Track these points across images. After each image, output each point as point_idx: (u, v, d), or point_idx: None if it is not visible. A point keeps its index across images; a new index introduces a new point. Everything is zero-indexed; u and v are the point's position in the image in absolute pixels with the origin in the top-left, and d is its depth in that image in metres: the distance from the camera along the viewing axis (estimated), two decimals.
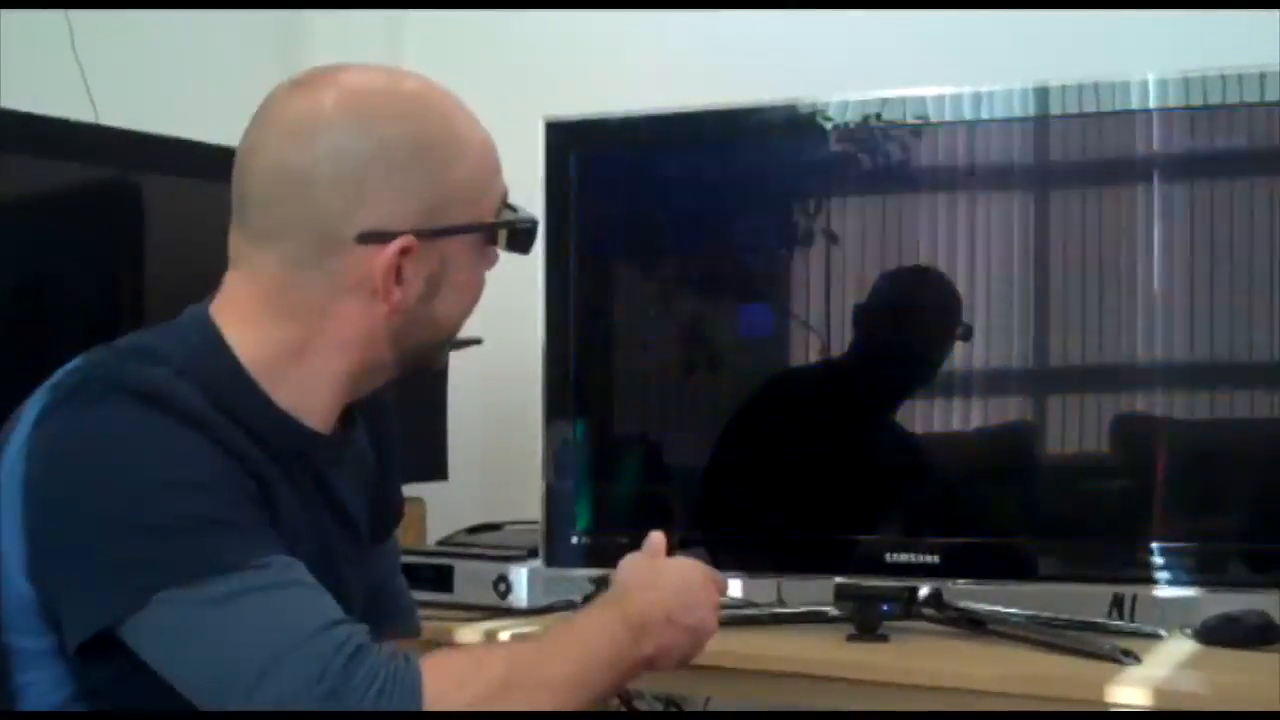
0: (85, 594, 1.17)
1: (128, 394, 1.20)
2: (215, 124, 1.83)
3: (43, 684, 1.22)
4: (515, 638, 1.85)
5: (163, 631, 1.15)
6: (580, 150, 1.99)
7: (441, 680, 1.14)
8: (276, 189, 1.27)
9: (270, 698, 1.11)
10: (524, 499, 2.09)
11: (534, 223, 1.38)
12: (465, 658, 1.27)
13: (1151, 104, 1.78)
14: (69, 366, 1.26)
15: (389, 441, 1.53)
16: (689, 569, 1.41)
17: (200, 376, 1.24)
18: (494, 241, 1.35)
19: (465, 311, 1.37)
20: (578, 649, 1.26)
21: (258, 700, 1.11)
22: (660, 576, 1.38)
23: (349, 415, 1.39)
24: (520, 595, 2.07)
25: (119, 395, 1.20)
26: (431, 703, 1.13)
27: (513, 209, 1.36)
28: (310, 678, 1.10)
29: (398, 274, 1.28)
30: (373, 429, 1.48)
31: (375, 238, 1.26)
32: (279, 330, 1.29)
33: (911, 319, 1.96)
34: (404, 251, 1.28)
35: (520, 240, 1.37)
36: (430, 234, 1.29)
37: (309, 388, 1.31)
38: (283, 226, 1.28)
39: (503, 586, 2.07)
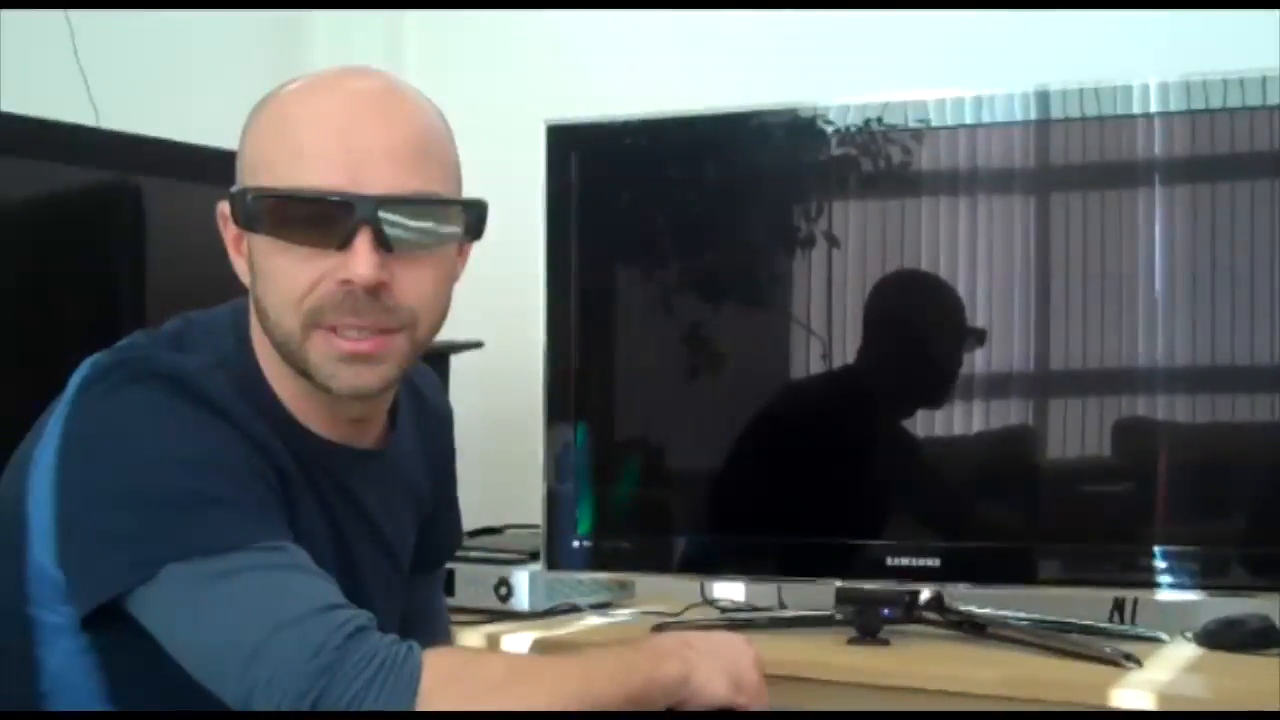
0: (96, 564, 1.17)
1: (158, 379, 1.21)
2: (216, 127, 1.83)
3: (62, 658, 1.23)
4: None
5: (168, 604, 1.16)
6: (581, 153, 1.99)
7: (439, 673, 1.13)
8: None
9: (266, 670, 1.10)
10: (525, 502, 2.09)
11: (263, 195, 1.21)
12: (466, 655, 1.27)
13: (1153, 108, 1.78)
14: (114, 346, 1.27)
15: (444, 465, 1.52)
16: (729, 635, 1.40)
17: (234, 371, 1.25)
18: (238, 221, 1.24)
19: (279, 308, 1.23)
20: (581, 663, 1.25)
21: (254, 673, 1.11)
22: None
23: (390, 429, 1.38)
24: (521, 599, 2.06)
25: (150, 379, 1.21)
26: (425, 694, 1.11)
27: (295, 196, 1.19)
28: (308, 651, 1.10)
29: (237, 247, 1.28)
30: (431, 452, 1.47)
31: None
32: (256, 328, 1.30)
33: (918, 326, 1.96)
34: (224, 220, 1.28)
35: (256, 219, 1.21)
36: (230, 201, 1.26)
37: (285, 388, 1.29)
38: None
39: (504, 590, 2.07)
